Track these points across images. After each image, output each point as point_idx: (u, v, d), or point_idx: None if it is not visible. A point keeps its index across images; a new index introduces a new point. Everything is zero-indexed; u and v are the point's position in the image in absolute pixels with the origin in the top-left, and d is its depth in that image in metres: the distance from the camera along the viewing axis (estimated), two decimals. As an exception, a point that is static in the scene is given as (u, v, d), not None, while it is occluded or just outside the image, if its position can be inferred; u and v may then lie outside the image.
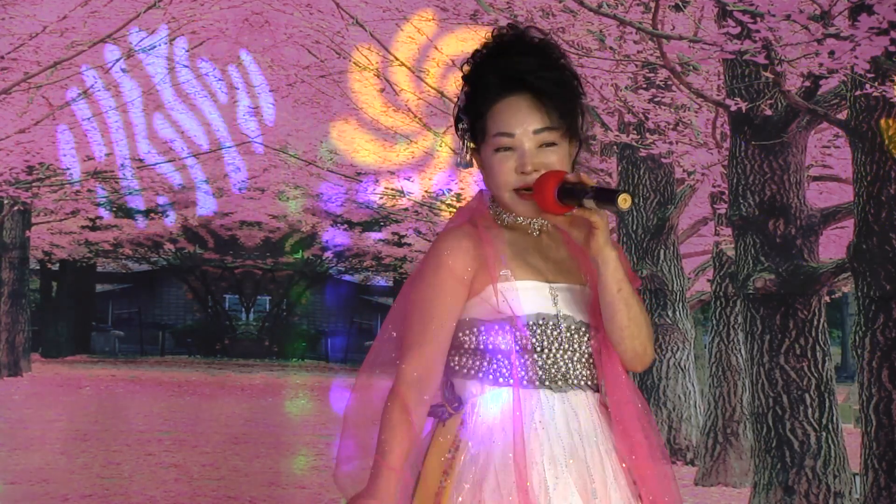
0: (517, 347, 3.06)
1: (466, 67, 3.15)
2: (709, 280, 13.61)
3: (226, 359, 35.90)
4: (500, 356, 3.07)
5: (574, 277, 3.13)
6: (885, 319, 7.27)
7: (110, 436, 14.91)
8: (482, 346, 3.08)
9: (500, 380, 3.06)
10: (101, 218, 27.92)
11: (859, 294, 7.42)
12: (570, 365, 3.09)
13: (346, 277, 39.81)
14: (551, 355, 3.08)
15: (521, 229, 3.15)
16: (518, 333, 3.05)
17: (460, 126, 3.17)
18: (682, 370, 13.43)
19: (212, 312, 39.28)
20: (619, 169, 13.79)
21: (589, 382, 3.10)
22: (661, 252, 13.41)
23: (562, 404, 3.06)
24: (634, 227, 13.42)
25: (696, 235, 15.19)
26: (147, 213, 29.25)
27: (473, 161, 3.18)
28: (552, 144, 3.10)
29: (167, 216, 29.19)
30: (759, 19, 7.33)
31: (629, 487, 3.05)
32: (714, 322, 12.20)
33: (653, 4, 8.62)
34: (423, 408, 3.04)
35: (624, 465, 3.05)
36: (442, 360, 3.07)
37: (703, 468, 12.02)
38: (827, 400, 8.77)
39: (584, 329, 3.11)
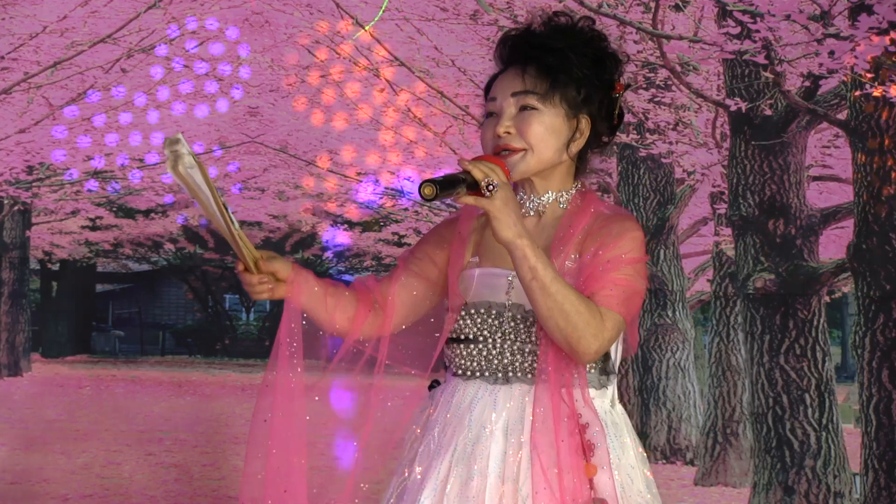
0: (462, 336, 3.02)
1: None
2: (709, 280, 13.59)
3: (226, 359, 35.82)
4: (452, 345, 3.05)
5: None
6: (885, 319, 7.27)
7: (110, 436, 14.90)
8: (447, 335, 3.07)
9: (453, 369, 3.05)
10: (101, 218, 27.92)
11: (859, 294, 7.42)
12: (515, 356, 2.99)
13: (346, 277, 39.81)
14: (497, 345, 3.00)
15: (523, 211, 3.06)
16: (460, 322, 3.02)
17: None
18: (681, 370, 13.43)
19: (212, 312, 39.26)
20: (619, 169, 13.79)
21: (542, 375, 2.98)
22: (661, 252, 13.41)
23: (491, 396, 2.98)
24: (634, 227, 13.42)
25: (696, 235, 15.17)
26: (147, 213, 29.23)
27: None
28: (532, 108, 3.01)
29: (167, 216, 29.18)
30: (759, 19, 7.33)
31: (545, 482, 2.91)
32: (714, 322, 12.19)
33: (653, 4, 8.62)
34: (366, 291, 3.19)
35: (541, 457, 2.91)
36: (399, 278, 3.11)
37: (703, 468, 12.01)
38: (827, 400, 8.77)
39: (532, 319, 2.97)
